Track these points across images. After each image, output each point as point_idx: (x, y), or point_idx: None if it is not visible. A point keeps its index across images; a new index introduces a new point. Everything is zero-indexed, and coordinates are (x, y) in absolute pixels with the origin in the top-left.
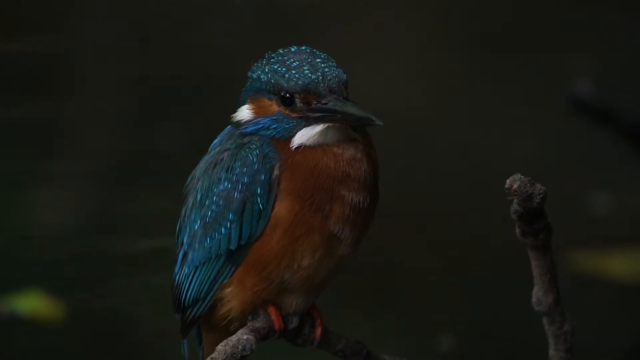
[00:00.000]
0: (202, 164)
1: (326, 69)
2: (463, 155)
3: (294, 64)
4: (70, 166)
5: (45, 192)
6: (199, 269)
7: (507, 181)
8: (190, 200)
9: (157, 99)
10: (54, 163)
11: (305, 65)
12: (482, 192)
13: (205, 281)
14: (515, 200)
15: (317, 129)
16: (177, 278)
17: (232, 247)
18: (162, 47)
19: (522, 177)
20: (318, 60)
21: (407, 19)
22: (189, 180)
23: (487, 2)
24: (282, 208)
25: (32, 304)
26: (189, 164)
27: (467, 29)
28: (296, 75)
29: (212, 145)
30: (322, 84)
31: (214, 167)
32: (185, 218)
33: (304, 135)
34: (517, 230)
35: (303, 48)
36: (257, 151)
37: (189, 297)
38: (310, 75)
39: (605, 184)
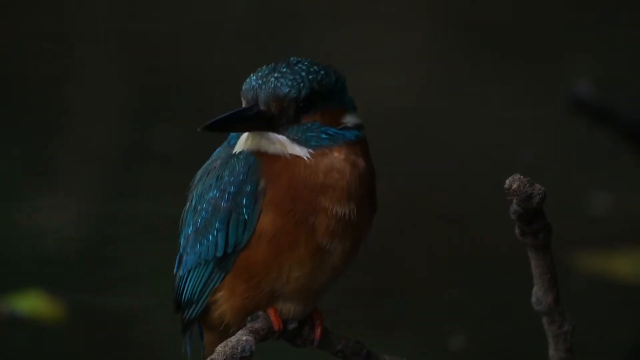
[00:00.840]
0: (201, 170)
1: (266, 80)
2: (463, 155)
3: (257, 72)
4: (71, 166)
5: (45, 192)
6: (191, 273)
7: (507, 181)
8: (187, 204)
9: (157, 100)
10: (54, 163)
11: (258, 74)
12: (482, 192)
13: (197, 285)
14: (514, 200)
15: (243, 136)
16: (175, 279)
17: (219, 254)
18: (163, 48)
19: (522, 177)
20: (275, 71)
21: (408, 20)
22: (191, 183)
23: (488, 3)
24: (266, 220)
25: (32, 304)
26: (189, 166)
27: (468, 30)
28: (245, 82)
29: (215, 151)
30: (250, 93)
31: (208, 175)
32: (183, 221)
33: (239, 143)
34: (517, 230)
35: (289, 59)
36: (244, 162)
37: (185, 299)
38: (249, 82)
39: (605, 184)
